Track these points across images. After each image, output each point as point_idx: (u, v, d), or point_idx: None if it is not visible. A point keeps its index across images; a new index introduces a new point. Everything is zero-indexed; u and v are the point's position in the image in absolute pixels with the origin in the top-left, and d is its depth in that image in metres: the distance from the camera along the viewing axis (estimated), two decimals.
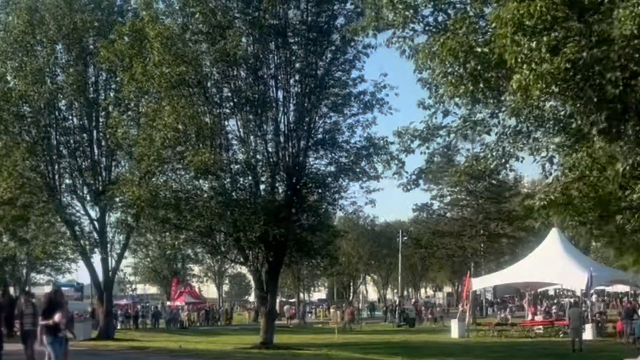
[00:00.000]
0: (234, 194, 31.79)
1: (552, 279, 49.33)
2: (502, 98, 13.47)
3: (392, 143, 16.33)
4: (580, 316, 37.99)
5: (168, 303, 76.97)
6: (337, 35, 32.18)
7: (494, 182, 79.59)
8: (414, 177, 16.18)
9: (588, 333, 41.30)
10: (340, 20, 32.10)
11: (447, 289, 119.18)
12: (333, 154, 32.92)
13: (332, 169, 33.05)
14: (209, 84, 31.79)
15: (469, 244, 78.70)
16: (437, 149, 16.10)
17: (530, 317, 53.28)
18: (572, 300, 71.25)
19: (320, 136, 32.86)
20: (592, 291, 47.12)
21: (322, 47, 32.11)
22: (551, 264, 45.92)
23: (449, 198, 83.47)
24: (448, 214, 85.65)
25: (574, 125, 12.17)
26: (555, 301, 77.32)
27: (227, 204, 31.06)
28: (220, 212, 31.15)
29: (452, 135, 15.66)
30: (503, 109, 14.18)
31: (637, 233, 16.09)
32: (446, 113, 15.45)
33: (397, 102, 57.31)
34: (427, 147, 15.76)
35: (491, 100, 13.76)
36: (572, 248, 51.26)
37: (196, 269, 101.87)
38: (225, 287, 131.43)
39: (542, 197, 13.16)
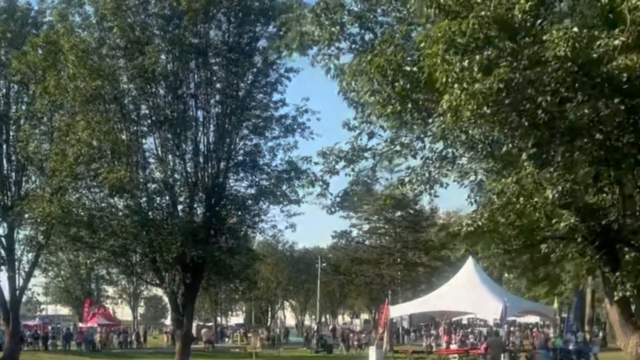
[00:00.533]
0: (150, 213, 30.76)
1: (467, 308, 49.38)
2: (430, 121, 13.08)
3: (317, 163, 15.60)
4: (499, 345, 38.04)
5: (80, 324, 74.69)
6: (259, 58, 31.72)
7: (411, 211, 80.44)
8: (338, 199, 15.64)
9: None
10: (262, 43, 31.62)
11: (364, 316, 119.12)
12: (253, 177, 32.30)
13: (253, 191, 32.39)
14: (126, 101, 30.77)
15: (387, 272, 78.99)
16: (362, 172, 15.54)
17: (445, 345, 53.34)
18: (486, 329, 72.04)
19: (240, 158, 32.20)
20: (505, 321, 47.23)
21: (243, 68, 31.49)
22: (467, 293, 45.95)
23: (367, 226, 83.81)
24: (367, 242, 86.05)
25: (504, 150, 11.80)
26: (469, 330, 77.87)
27: (143, 224, 30.08)
28: (136, 231, 30.15)
29: (377, 158, 15.20)
30: (429, 133, 13.83)
31: (562, 262, 15.99)
32: (371, 135, 15.02)
33: (320, 127, 57.03)
34: (352, 169, 15.27)
35: (419, 121, 13.35)
36: (487, 278, 51.48)
37: (110, 290, 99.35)
38: (141, 310, 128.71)
39: (469, 223, 12.69)
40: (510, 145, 11.43)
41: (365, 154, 15.08)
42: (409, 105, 12.49)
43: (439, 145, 14.02)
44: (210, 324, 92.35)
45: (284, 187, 31.82)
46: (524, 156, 11.47)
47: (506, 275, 76.64)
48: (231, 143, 31.68)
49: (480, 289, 46.56)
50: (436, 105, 11.85)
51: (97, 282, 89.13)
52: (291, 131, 32.01)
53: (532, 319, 76.31)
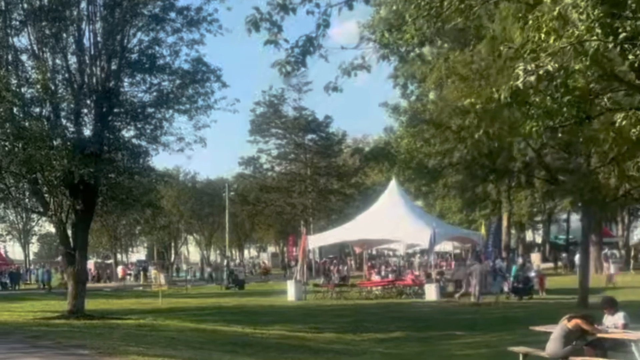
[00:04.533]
0: (26, 123, 24.94)
1: (393, 235, 45.61)
2: None
3: None
4: (482, 272, 36.03)
5: None
6: None
7: (322, 134, 76.43)
8: (297, 50, 10.02)
9: (432, 293, 38.09)
10: None
11: (272, 249, 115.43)
12: (152, 78, 26.70)
13: (152, 97, 26.83)
14: None
15: (299, 200, 75.07)
16: (333, 7, 9.99)
17: (368, 277, 49.53)
18: (400, 260, 69.33)
19: (135, 56, 26.46)
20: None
21: None
22: (392, 219, 42.32)
23: (276, 151, 79.30)
24: (276, 169, 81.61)
25: None
26: (381, 260, 74.75)
27: (18, 136, 24.36)
28: (9, 145, 24.44)
29: None
30: None
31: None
32: None
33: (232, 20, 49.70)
34: (317, 5, 9.75)
35: None
36: (412, 203, 48.22)
37: None
38: (35, 248, 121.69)
39: (530, 69, 7.75)
40: None
41: None
42: None
43: None
44: (109, 260, 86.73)
45: (190, 91, 26.47)
46: None
47: (418, 202, 73.98)
48: (123, 38, 25.94)
49: (406, 215, 43.16)
50: None
51: None
52: (195, 24, 26.52)
53: (448, 247, 73.73)
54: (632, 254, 73.04)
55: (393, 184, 46.27)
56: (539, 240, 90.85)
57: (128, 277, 74.39)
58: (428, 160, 57.80)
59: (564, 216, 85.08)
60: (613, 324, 14.83)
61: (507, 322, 27.10)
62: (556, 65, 7.89)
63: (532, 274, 40.53)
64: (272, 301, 38.76)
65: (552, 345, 14.37)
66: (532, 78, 7.80)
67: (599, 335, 14.36)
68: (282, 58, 9.85)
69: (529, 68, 7.85)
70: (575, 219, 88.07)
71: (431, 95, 66.78)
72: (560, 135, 9.97)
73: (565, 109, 9.02)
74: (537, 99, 8.63)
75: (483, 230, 51.62)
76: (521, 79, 7.87)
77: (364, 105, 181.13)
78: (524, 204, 63.73)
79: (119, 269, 72.18)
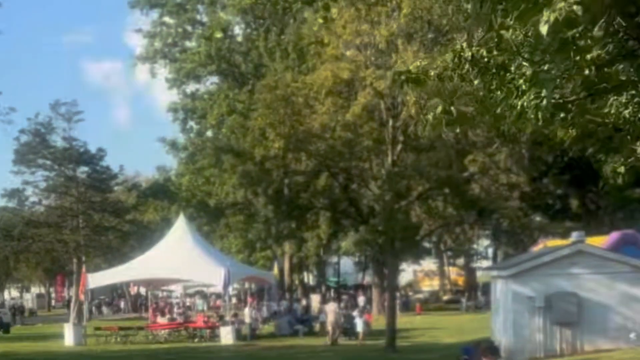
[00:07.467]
0: None
1: (182, 274, 42.48)
2: None
3: None
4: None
5: None
6: None
7: (97, 168, 71.84)
8: None
9: (227, 336, 35.39)
10: None
11: (36, 289, 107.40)
12: None
13: None
14: None
15: (71, 236, 69.36)
16: None
17: (153, 319, 45.70)
18: (180, 301, 66.03)
19: None
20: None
21: None
22: (180, 257, 39.26)
23: (44, 184, 73.28)
24: (45, 202, 75.43)
25: None
26: (157, 301, 71.01)
27: None
28: None
29: None
30: None
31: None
32: None
33: None
34: None
35: None
36: (202, 240, 45.32)
37: None
38: None
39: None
40: None
41: None
42: None
43: None
44: None
45: None
46: None
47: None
48: None
49: (196, 253, 40.21)
50: None
51: None
52: None
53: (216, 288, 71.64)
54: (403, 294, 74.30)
55: (181, 220, 43.35)
56: (312, 282, 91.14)
57: None
58: (209, 199, 55.29)
59: (335, 259, 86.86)
60: None
61: None
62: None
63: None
64: (47, 346, 34.16)
65: None
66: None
67: None
68: None
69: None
70: (345, 262, 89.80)
71: (209, 133, 64.80)
72: (562, 115, 7.19)
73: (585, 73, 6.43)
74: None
75: (276, 271, 49.88)
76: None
77: (133, 140, 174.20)
78: (311, 244, 62.47)
79: None
